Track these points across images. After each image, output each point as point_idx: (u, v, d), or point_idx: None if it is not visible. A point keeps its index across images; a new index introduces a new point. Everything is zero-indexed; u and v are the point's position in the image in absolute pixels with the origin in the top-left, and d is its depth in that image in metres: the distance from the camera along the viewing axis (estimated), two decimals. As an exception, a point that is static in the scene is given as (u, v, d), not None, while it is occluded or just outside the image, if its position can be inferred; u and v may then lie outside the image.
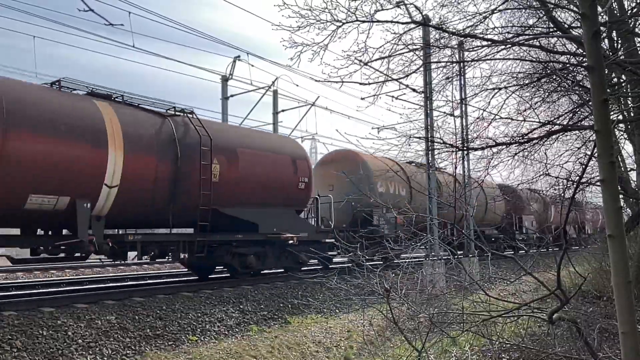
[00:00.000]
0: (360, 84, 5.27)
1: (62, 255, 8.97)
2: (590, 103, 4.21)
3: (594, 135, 3.16)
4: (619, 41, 7.42)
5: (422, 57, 6.54)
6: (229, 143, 11.12)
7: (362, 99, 6.02)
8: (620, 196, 8.17)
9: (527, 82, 7.20)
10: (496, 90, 6.92)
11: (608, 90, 3.71)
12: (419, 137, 8.59)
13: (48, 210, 8.01)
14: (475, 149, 7.38)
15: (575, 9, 5.82)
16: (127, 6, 18.83)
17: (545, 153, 8.16)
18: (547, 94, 7.61)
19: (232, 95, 20.04)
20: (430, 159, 13.35)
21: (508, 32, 6.56)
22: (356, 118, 45.23)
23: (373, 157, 15.62)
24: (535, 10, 7.04)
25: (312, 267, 14.10)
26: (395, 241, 7.04)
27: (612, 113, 6.51)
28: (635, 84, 6.84)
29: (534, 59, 6.74)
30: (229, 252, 11.16)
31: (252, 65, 18.86)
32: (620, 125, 8.27)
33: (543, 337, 6.18)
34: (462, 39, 6.11)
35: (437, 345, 6.39)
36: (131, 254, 9.79)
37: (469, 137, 8.64)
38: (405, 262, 7.56)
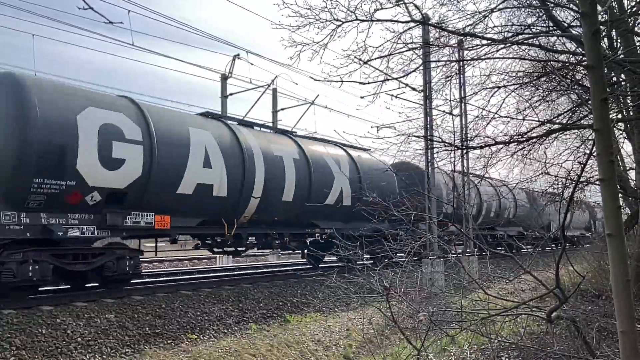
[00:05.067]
0: (360, 82, 5.28)
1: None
2: (589, 102, 4.21)
3: (593, 134, 3.16)
4: (619, 40, 7.42)
5: (421, 56, 6.56)
6: None
7: (361, 97, 6.03)
8: (620, 195, 8.18)
9: (526, 81, 7.20)
10: (495, 89, 6.94)
11: (607, 89, 3.71)
12: (418, 136, 8.59)
13: None
14: (475, 148, 7.38)
15: (575, 7, 5.83)
16: (126, 4, 18.80)
17: (544, 152, 8.18)
18: (546, 92, 7.62)
19: (231, 94, 20.02)
20: (429, 157, 13.34)
21: (507, 31, 6.56)
22: (355, 117, 45.20)
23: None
24: (535, 9, 7.04)
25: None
26: (395, 240, 6.99)
27: (611, 112, 6.51)
28: (635, 83, 6.84)
29: (534, 58, 6.74)
30: None
31: (252, 64, 18.88)
32: (620, 124, 8.27)
33: (542, 336, 6.18)
34: (461, 37, 6.11)
35: (436, 344, 6.41)
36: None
37: (468, 135, 8.63)
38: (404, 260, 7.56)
